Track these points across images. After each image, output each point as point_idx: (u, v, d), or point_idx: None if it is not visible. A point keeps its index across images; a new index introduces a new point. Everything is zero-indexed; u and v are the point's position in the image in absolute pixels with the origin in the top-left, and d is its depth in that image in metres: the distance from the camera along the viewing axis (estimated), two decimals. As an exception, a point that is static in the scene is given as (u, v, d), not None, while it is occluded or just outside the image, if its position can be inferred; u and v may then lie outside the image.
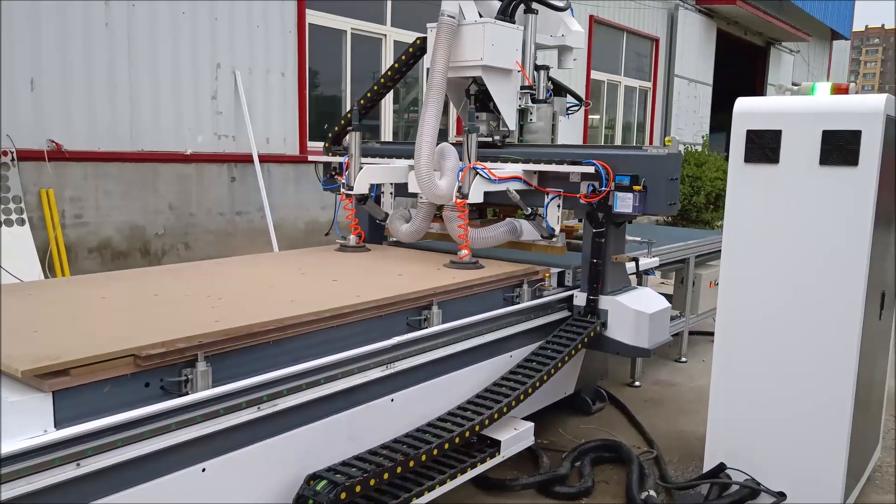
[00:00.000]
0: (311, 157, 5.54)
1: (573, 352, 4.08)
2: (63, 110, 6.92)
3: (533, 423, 3.82)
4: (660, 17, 17.16)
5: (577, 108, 5.48)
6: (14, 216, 6.65)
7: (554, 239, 4.57)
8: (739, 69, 21.58)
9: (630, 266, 4.66)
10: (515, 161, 4.52)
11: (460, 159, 4.40)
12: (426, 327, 3.55)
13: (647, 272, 5.22)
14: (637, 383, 5.62)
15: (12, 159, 6.61)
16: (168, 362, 2.52)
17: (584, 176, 4.31)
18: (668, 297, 6.48)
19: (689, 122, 18.89)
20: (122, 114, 7.36)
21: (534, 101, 5.06)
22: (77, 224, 7.18)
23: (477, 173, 4.20)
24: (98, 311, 2.98)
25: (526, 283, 4.21)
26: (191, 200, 8.04)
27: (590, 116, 15.15)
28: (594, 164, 4.18)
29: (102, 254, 7.39)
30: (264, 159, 8.51)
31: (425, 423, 3.40)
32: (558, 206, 4.49)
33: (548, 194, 4.47)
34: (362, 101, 5.18)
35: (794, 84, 3.69)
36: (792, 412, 3.40)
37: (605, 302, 4.35)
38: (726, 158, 14.33)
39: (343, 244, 4.93)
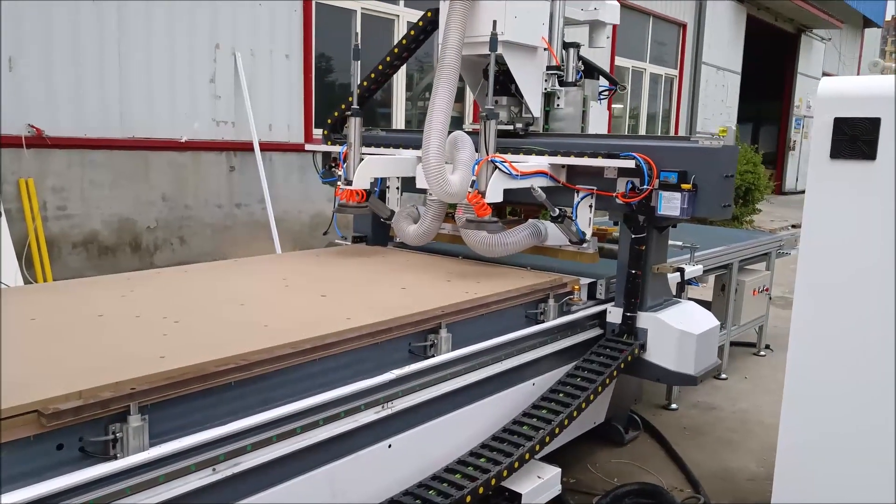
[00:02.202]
0: (308, 146, 4.90)
1: (608, 380, 3.45)
2: (44, 93, 6.33)
3: (559, 470, 3.19)
4: (688, 1, 16.34)
5: (611, 92, 4.81)
6: (-11, 207, 6.09)
7: (584, 244, 3.92)
8: (769, 58, 20.68)
9: (673, 277, 3.99)
10: (541, 153, 3.86)
11: (476, 150, 3.75)
12: (433, 355, 2.93)
13: (691, 282, 4.56)
14: (674, 405, 4.98)
15: (-13, 146, 6.05)
16: (86, 418, 1.91)
17: (622, 171, 3.65)
18: (706, 304, 5.88)
19: (717, 112, 18.07)
20: (111, 97, 6.77)
21: (561, 83, 4.41)
22: (60, 216, 6.61)
23: (496, 167, 3.53)
24: (14, 340, 2.37)
25: (552, 298, 3.58)
26: (186, 191, 7.45)
27: (612, 105, 14.41)
28: (635, 158, 3.52)
29: (88, 248, 6.83)
30: (266, 147, 7.91)
31: (429, 475, 2.78)
32: (590, 206, 3.83)
33: (578, 192, 3.82)
34: (365, 83, 4.57)
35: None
36: (883, 443, 2.75)
37: (644, 319, 3.72)
38: (756, 150, 13.80)
39: (341, 244, 4.32)
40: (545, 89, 4.32)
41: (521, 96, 4.18)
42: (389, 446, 2.74)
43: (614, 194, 3.68)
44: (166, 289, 3.17)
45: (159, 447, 2.03)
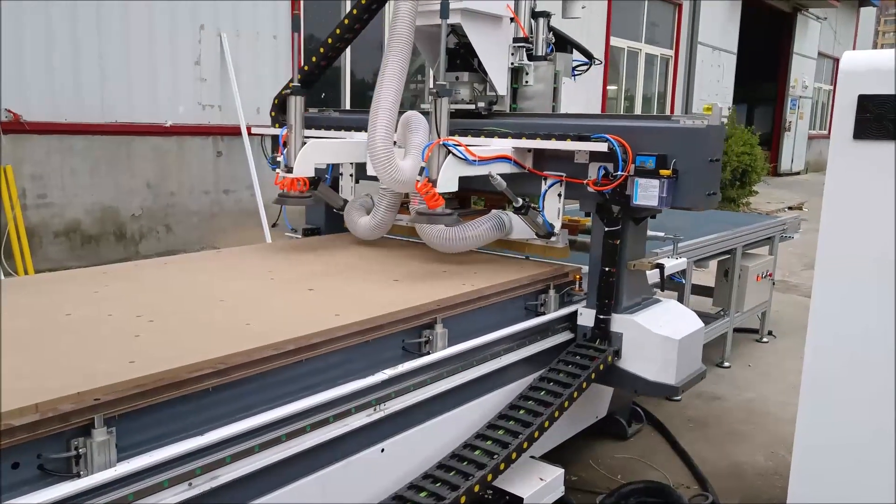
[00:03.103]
0: (255, 130, 4.53)
1: (575, 394, 3.06)
2: (21, 75, 6.08)
3: (562, 470, 3.02)
4: (684, -21, 16.08)
5: (586, 67, 4.35)
6: (-36, 197, 5.86)
7: (553, 238, 3.56)
8: (764, 37, 20.42)
9: (653, 274, 3.59)
10: (504, 135, 3.43)
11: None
12: (428, 352, 2.74)
13: (674, 277, 4.12)
14: (677, 397, 4.81)
15: (-38, 132, 5.81)
16: (43, 434, 1.72)
17: (594, 156, 3.24)
18: (708, 290, 5.72)
19: (712, 93, 17.84)
20: (91, 80, 6.52)
21: (531, 57, 3.96)
22: (40, 205, 6.38)
23: (449, 152, 3.08)
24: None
25: (553, 288, 3.39)
26: (171, 178, 7.23)
27: (608, 87, 14.18)
28: (607, 140, 3.13)
29: (71, 238, 6.61)
30: (254, 132, 7.67)
31: (420, 474, 2.60)
32: (559, 195, 3.44)
33: (546, 180, 3.43)
34: (314, 59, 4.10)
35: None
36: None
37: (619, 322, 3.34)
38: (752, 132, 13.60)
39: (292, 237, 4.07)
40: (512, 64, 3.89)
41: (485, 72, 3.79)
42: (382, 451, 2.56)
43: (585, 181, 3.25)
44: (143, 284, 2.97)
45: (128, 462, 1.85)
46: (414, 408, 2.65)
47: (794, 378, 5.04)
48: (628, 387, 3.42)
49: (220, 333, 2.32)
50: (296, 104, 3.63)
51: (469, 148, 3.15)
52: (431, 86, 3.14)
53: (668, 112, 16.61)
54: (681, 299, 4.69)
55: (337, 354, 2.42)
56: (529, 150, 3.45)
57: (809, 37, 22.22)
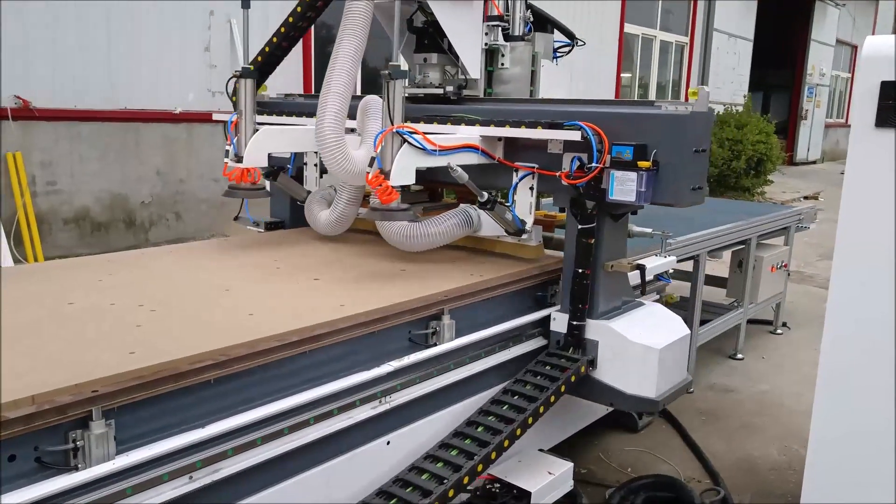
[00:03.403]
0: (216, 116, 4.30)
1: (541, 409, 2.73)
2: (30, 62, 6.06)
3: (572, 464, 2.98)
4: (700, -36, 15.85)
5: (568, 48, 4.06)
6: (-26, 183, 5.86)
7: (525, 235, 3.23)
8: (781, 24, 20.13)
9: (636, 275, 3.26)
10: (472, 123, 3.13)
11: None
12: (434, 344, 2.69)
13: (661, 278, 3.71)
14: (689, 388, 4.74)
15: (-29, 118, 5.80)
16: (39, 426, 1.69)
17: (569, 145, 2.95)
18: (721, 280, 5.63)
19: (728, 81, 17.64)
20: (99, 67, 6.49)
21: (507, 38, 3.63)
22: (49, 192, 6.38)
23: (404, 140, 2.77)
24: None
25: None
26: (180, 165, 7.20)
27: (621, 74, 14.02)
28: (581, 128, 2.82)
29: (80, 225, 6.60)
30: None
31: (420, 456, 2.52)
32: (531, 188, 3.15)
33: (517, 171, 3.15)
34: (275, 39, 3.74)
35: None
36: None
37: (594, 329, 3.02)
38: (768, 120, 13.42)
39: (254, 229, 3.87)
40: (486, 45, 3.56)
41: (455, 54, 3.47)
42: (388, 443, 2.52)
43: (558, 174, 2.93)
44: (148, 272, 2.93)
45: (127, 455, 1.82)
46: (420, 400, 2.60)
47: (809, 370, 5.00)
48: (604, 400, 3.12)
49: (223, 323, 2.28)
50: (245, 87, 3.38)
51: (428, 136, 2.83)
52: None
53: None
54: (694, 290, 4.63)
55: (341, 346, 2.38)
56: (500, 138, 3.16)
57: (828, 23, 21.89)
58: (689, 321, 4.61)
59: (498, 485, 2.77)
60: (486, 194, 3.00)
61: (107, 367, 1.87)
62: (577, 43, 4.07)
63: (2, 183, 5.99)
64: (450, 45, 3.51)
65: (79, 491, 1.74)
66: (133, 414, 1.86)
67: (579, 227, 2.94)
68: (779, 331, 6.04)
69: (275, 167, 3.60)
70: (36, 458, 1.72)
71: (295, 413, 2.19)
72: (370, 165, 2.83)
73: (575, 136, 2.84)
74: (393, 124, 2.75)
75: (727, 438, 4.11)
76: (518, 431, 2.61)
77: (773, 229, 5.63)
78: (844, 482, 2.76)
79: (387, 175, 2.73)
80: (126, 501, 1.80)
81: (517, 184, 3.16)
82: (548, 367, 2.96)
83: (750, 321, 5.60)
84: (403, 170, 2.76)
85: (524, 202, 3.17)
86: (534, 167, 3.10)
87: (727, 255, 5.36)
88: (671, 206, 2.87)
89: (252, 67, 3.51)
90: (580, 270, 2.96)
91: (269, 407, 2.12)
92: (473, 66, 3.54)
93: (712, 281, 5.53)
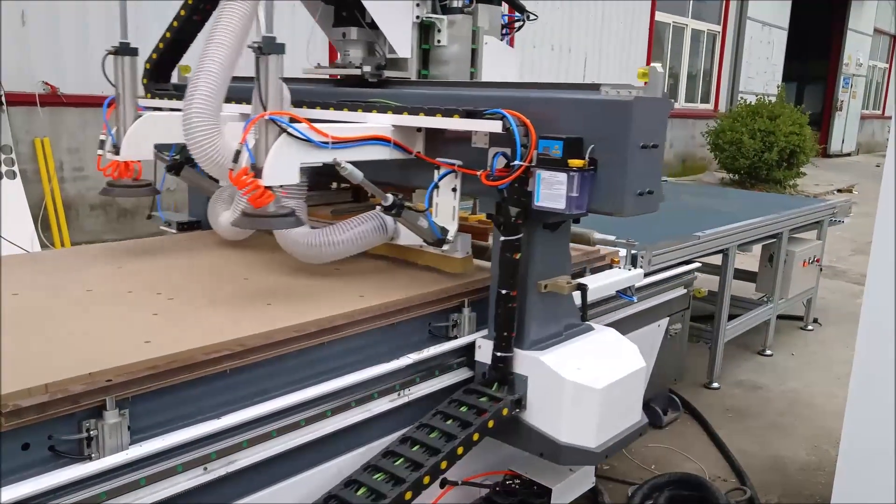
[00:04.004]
0: (141, 102, 3.87)
1: (443, 464, 2.22)
2: (58, 48, 6.10)
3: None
4: (734, -49, 15.54)
5: (519, 23, 3.59)
6: (4, 168, 5.93)
7: (446, 246, 2.62)
8: (817, 13, 19.66)
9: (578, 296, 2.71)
10: (384, 109, 2.58)
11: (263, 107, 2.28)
12: (455, 336, 2.64)
13: (623, 296, 3.25)
14: (715, 384, 4.65)
15: (0, 103, 5.85)
16: (53, 415, 1.67)
17: (494, 139, 2.44)
18: (751, 275, 5.51)
19: (761, 71, 17.31)
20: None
21: (446, 10, 3.08)
22: (77, 178, 6.44)
23: (283, 131, 2.20)
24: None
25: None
26: (206, 152, 7.21)
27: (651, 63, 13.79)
28: (503, 116, 2.31)
29: (107, 211, 6.66)
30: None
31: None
32: (454, 189, 2.57)
33: (439, 169, 2.57)
34: (183, 12, 3.31)
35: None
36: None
37: (523, 362, 2.49)
38: (801, 111, 13.13)
39: (166, 230, 3.51)
40: (418, 18, 3.01)
41: (377, 28, 2.92)
42: (406, 437, 2.48)
43: (479, 173, 2.40)
44: (169, 259, 2.92)
45: (140, 446, 1.80)
46: (438, 394, 2.56)
47: (840, 368, 4.89)
48: (533, 448, 2.55)
49: (241, 312, 2.25)
50: (122, 67, 2.82)
51: (320, 126, 2.29)
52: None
53: (713, 94, 16.13)
54: (722, 285, 4.53)
55: (360, 338, 2.34)
56: (418, 129, 2.62)
57: (865, 12, 21.37)
58: (717, 316, 4.53)
59: (518, 481, 2.73)
60: (390, 197, 2.45)
61: (121, 356, 1.85)
62: (527, 17, 3.56)
63: (30, 169, 6.04)
64: (371, 17, 2.93)
65: (92, 481, 1.72)
66: (147, 404, 1.84)
67: (502, 238, 2.40)
68: (809, 327, 5.91)
69: (178, 159, 3.05)
70: (49, 447, 1.70)
71: (312, 405, 2.15)
72: (234, 161, 2.25)
73: (496, 126, 2.33)
74: (266, 110, 2.23)
75: (754, 437, 4.02)
76: (426, 479, 2.15)
77: (806, 223, 5.49)
78: (878, 485, 2.67)
79: (259, 172, 2.20)
80: (139, 492, 1.78)
81: (435, 184, 2.58)
82: (463, 409, 2.44)
83: (780, 317, 5.48)
84: (281, 166, 2.21)
85: (447, 206, 2.58)
86: (454, 165, 2.53)
87: (757, 248, 5.24)
88: (611, 215, 2.34)
89: (130, 43, 2.89)
90: (504, 292, 2.41)
91: (286, 398, 2.09)
92: (402, 42, 2.97)
93: (742, 275, 5.41)
